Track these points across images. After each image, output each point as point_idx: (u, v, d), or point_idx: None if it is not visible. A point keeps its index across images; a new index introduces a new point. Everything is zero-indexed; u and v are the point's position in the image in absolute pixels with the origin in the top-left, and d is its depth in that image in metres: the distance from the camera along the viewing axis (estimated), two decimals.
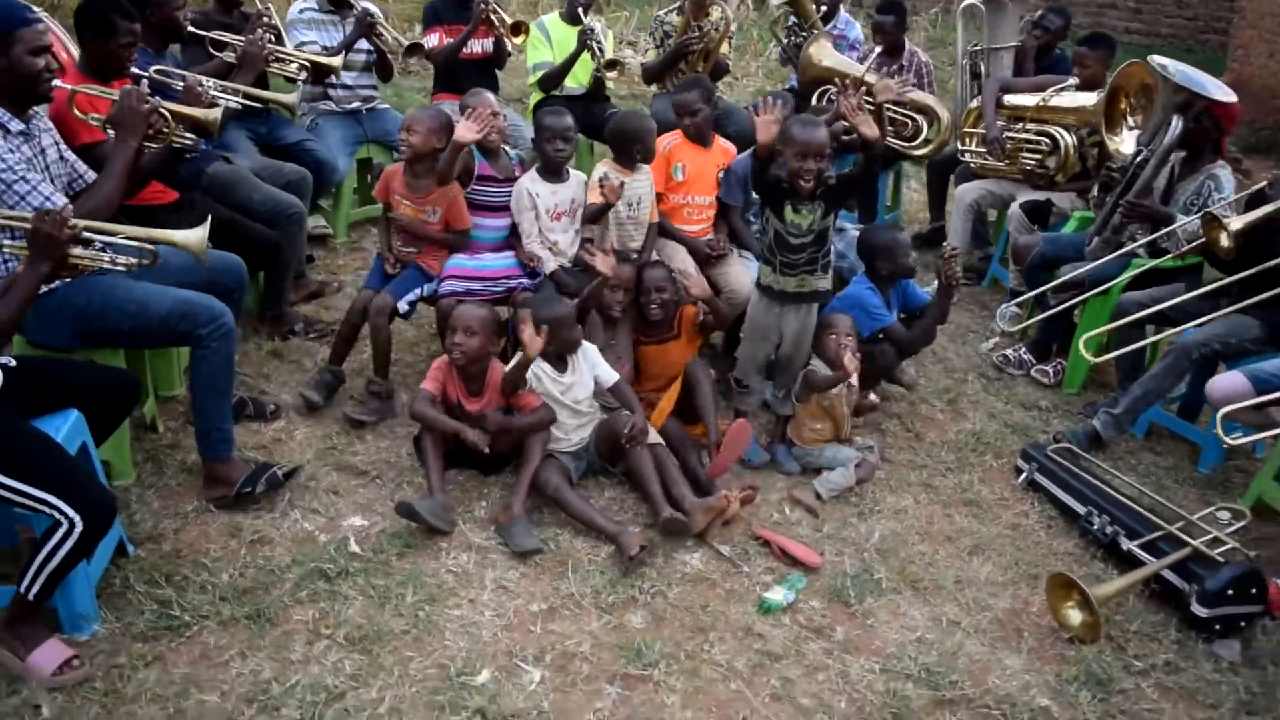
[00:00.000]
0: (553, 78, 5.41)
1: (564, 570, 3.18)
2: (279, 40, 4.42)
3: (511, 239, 4.08)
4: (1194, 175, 4.34)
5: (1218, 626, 3.15)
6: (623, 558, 3.19)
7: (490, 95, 4.02)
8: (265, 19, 4.26)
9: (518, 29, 5.07)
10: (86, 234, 2.71)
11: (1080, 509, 3.61)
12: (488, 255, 4.02)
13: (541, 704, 2.70)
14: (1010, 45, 5.32)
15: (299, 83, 4.42)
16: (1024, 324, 4.76)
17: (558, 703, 2.71)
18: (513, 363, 3.40)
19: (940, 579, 3.32)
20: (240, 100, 3.69)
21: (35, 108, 3.06)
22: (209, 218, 2.98)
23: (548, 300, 3.59)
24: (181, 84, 3.53)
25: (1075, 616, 3.14)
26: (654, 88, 5.86)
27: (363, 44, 4.92)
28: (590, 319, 3.81)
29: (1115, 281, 4.29)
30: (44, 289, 2.99)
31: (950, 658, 3.00)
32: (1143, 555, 3.36)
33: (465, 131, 3.70)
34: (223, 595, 2.93)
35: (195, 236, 2.88)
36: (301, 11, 4.89)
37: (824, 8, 6.13)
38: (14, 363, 2.79)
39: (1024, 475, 3.88)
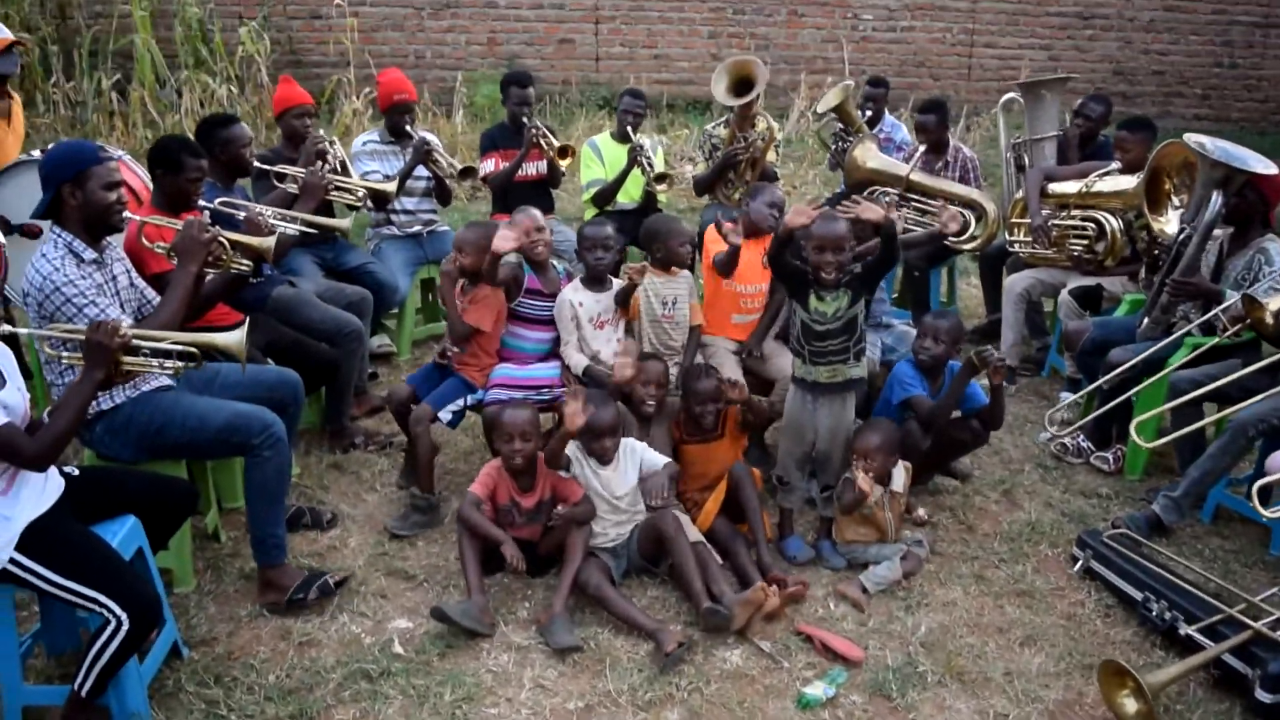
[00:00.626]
0: (605, 194, 5.64)
1: (602, 669, 3.19)
2: (342, 171, 4.74)
3: (555, 349, 4.22)
4: (1243, 250, 4.28)
5: None
6: (659, 654, 3.19)
7: (536, 211, 4.22)
8: (323, 149, 4.57)
9: (565, 152, 5.33)
10: (136, 342, 2.93)
11: (1138, 595, 3.49)
12: (534, 364, 4.17)
13: None
14: (1051, 135, 5.37)
15: (359, 208, 4.70)
16: (1081, 414, 4.67)
17: None
18: (556, 436, 3.52)
19: (988, 671, 3.23)
20: (298, 227, 3.96)
21: (108, 238, 3.35)
22: (247, 320, 3.18)
23: (600, 396, 3.69)
24: (244, 214, 3.81)
25: (1130, 706, 3.01)
26: (706, 199, 6.04)
27: (422, 171, 5.22)
28: (625, 417, 3.89)
29: (1168, 362, 4.21)
30: (109, 405, 3.26)
31: None
32: (1201, 640, 3.22)
33: (502, 242, 3.89)
34: (268, 695, 3.03)
35: (234, 338, 3.09)
36: (365, 144, 5.25)
37: (868, 113, 6.30)
38: (77, 471, 3.00)
39: (1080, 564, 3.77)
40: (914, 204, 5.56)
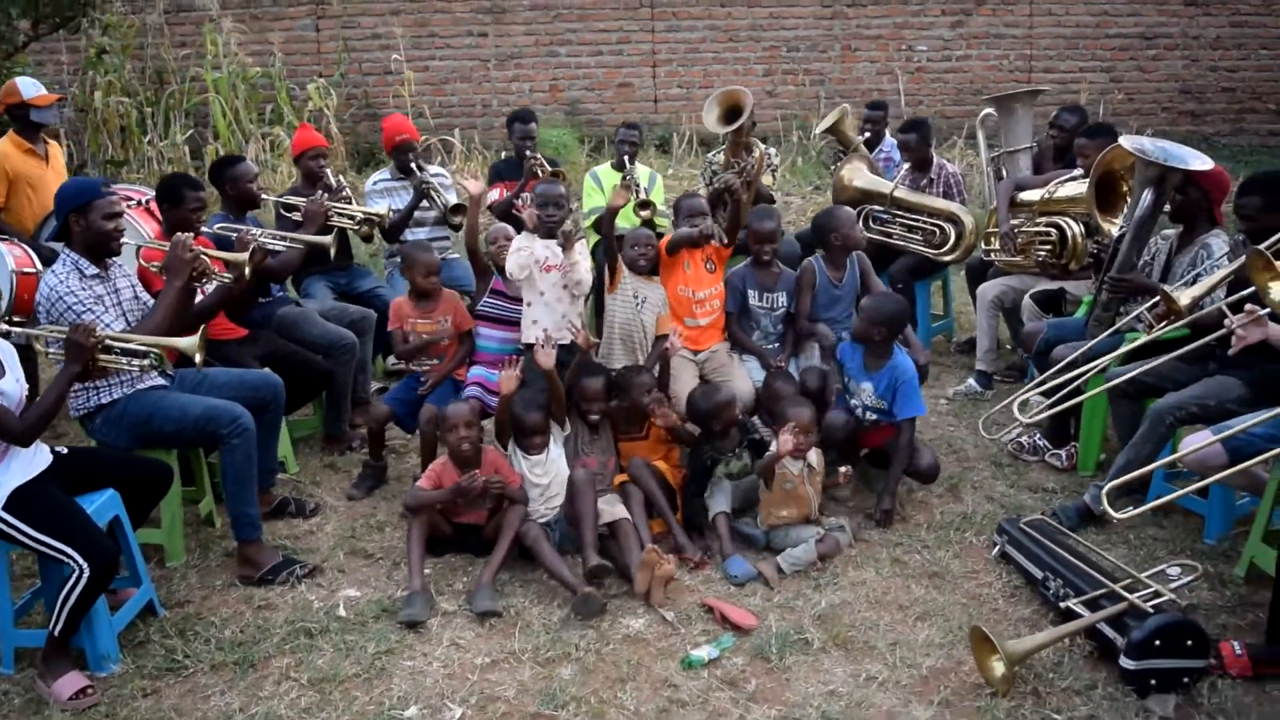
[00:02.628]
0: (604, 220, 6.03)
1: (514, 631, 3.53)
2: (350, 202, 5.30)
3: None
4: (1190, 247, 4.36)
5: (1153, 682, 3.09)
6: (578, 594, 3.56)
7: (509, 227, 4.67)
8: (325, 183, 5.15)
9: (555, 177, 5.75)
10: (109, 342, 3.47)
11: (1039, 574, 3.62)
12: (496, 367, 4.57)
13: None
14: (1025, 147, 5.51)
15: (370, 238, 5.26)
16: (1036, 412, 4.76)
17: None
18: (497, 404, 4.05)
19: (874, 641, 3.43)
20: (285, 245, 4.51)
21: (112, 259, 3.93)
22: (203, 328, 3.69)
23: (534, 397, 4.09)
24: (235, 236, 4.38)
25: (998, 670, 3.17)
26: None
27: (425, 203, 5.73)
28: (573, 419, 4.24)
29: (1109, 357, 4.30)
30: (109, 399, 3.81)
31: (855, 708, 3.11)
32: (1081, 611, 3.34)
33: (474, 187, 4.53)
34: (220, 646, 3.48)
35: (188, 342, 3.61)
36: (376, 183, 5.82)
37: (867, 134, 6.53)
38: (66, 450, 3.54)
39: (997, 549, 3.91)
40: (900, 220, 5.78)
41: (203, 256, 3.94)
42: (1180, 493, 3.55)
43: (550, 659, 3.38)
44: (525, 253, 4.33)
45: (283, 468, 4.71)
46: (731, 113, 5.87)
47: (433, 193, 5.69)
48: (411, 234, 5.77)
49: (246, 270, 4.08)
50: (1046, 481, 4.51)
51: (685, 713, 3.12)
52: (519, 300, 4.56)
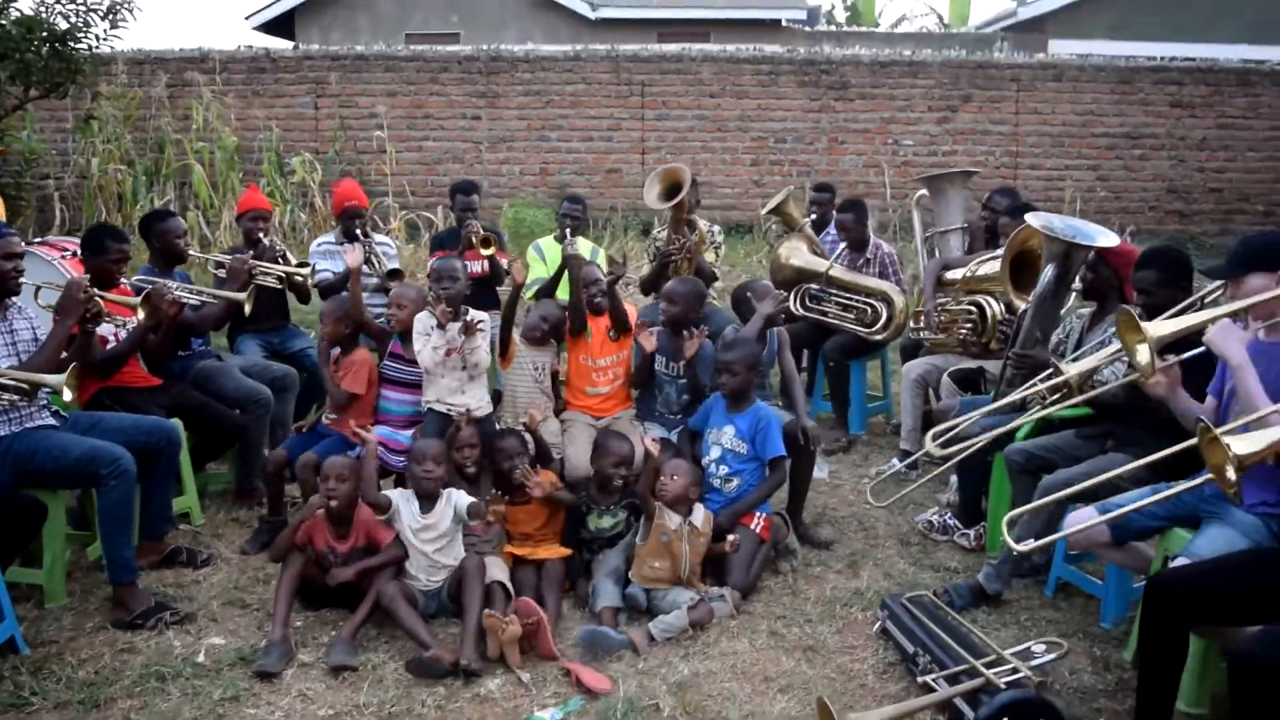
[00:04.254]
0: (545, 290, 6.06)
1: (364, 685, 3.46)
2: (283, 262, 5.40)
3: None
4: (1101, 324, 4.32)
5: None
6: (418, 659, 3.47)
7: (413, 289, 4.71)
8: (261, 244, 5.27)
9: (486, 243, 5.81)
10: None
11: (911, 650, 3.51)
12: (407, 430, 4.57)
13: None
14: (957, 227, 5.53)
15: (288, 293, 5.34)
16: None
17: None
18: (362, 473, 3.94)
19: (728, 711, 3.32)
20: (199, 299, 4.59)
21: (13, 299, 4.01)
22: (73, 366, 3.73)
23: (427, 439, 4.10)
24: (150, 288, 4.47)
25: None
26: (651, 298, 6.41)
27: (367, 269, 5.81)
28: (453, 477, 4.22)
29: (1017, 436, 4.24)
30: None
31: None
32: (938, 686, 3.22)
33: (351, 259, 4.63)
34: (70, 685, 3.43)
35: (55, 379, 3.65)
36: (319, 245, 5.93)
37: (814, 215, 6.59)
38: None
39: (878, 624, 3.80)
40: (835, 298, 5.79)
41: (97, 299, 4.01)
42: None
43: (393, 714, 3.30)
44: (430, 344, 4.41)
45: (187, 520, 4.73)
46: (672, 190, 5.97)
47: (374, 259, 5.78)
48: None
49: (140, 313, 4.14)
50: (951, 561, 4.40)
51: None
52: (416, 363, 4.58)
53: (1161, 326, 3.06)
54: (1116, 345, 3.83)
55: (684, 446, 4.45)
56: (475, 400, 4.48)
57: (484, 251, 5.79)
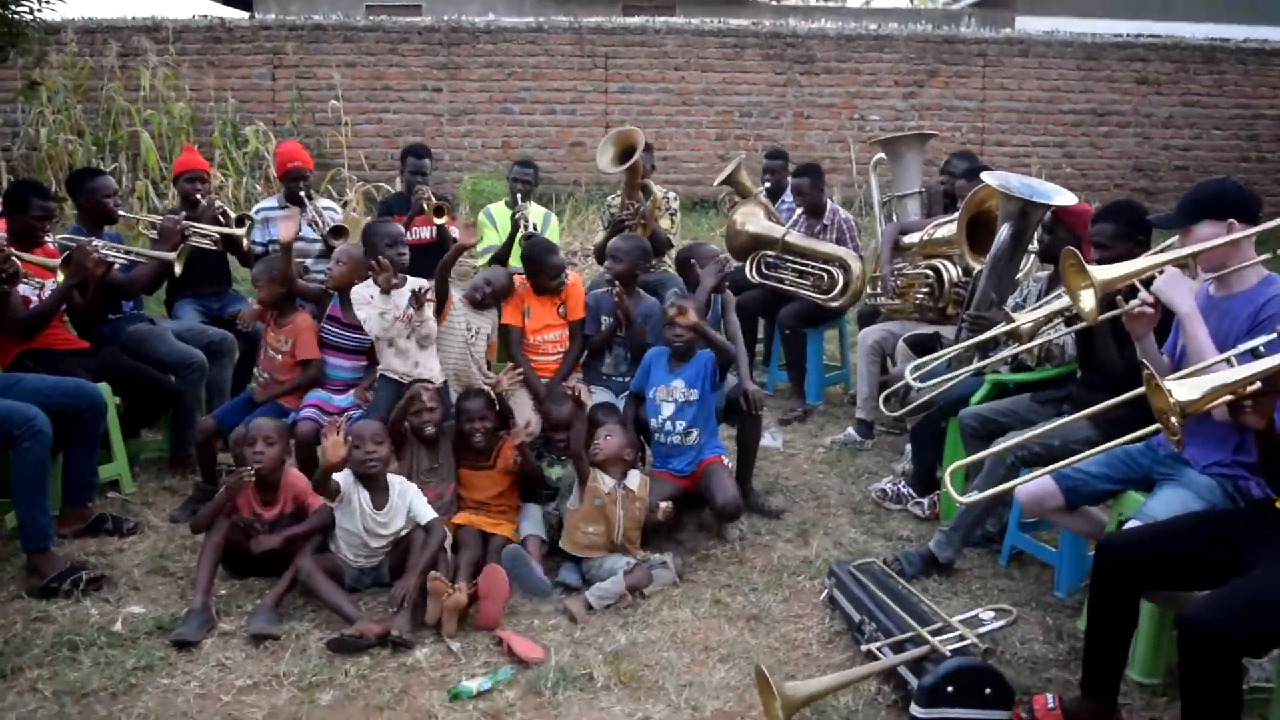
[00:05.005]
0: (498, 257, 5.91)
1: (285, 654, 3.31)
2: (227, 221, 5.20)
3: (363, 378, 4.45)
4: (1058, 287, 4.20)
5: None
6: (339, 638, 3.31)
7: (357, 249, 4.53)
8: (200, 205, 5.09)
9: (439, 211, 5.63)
10: None
11: (857, 618, 3.39)
12: (343, 395, 4.41)
13: None
14: (914, 191, 5.41)
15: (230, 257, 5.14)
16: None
17: None
18: (319, 469, 3.66)
19: (664, 681, 3.19)
20: (126, 258, 4.40)
21: None
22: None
23: (365, 420, 3.90)
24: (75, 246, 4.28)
25: (781, 716, 2.93)
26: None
27: (313, 234, 5.62)
28: (410, 441, 4.06)
29: (970, 400, 4.13)
30: None
31: None
32: (882, 655, 3.11)
33: (284, 232, 4.35)
34: None
35: None
36: (258, 210, 5.71)
37: (768, 183, 6.46)
38: None
39: (825, 592, 3.69)
40: (790, 265, 5.66)
41: (14, 259, 3.82)
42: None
43: (313, 684, 3.15)
44: (375, 309, 4.23)
45: (117, 487, 4.55)
46: (625, 154, 5.81)
47: (317, 223, 5.59)
48: (299, 263, 5.64)
49: (59, 275, 3.95)
50: (903, 530, 4.29)
51: None
52: (356, 327, 4.41)
53: (1108, 270, 2.94)
54: (1056, 304, 3.74)
55: (628, 413, 4.31)
56: (428, 370, 4.33)
57: (436, 220, 5.61)
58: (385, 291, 4.22)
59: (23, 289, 4.26)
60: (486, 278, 4.63)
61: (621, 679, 3.18)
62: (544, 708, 3.05)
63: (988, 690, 2.87)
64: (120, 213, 4.85)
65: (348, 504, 3.70)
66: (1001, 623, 3.23)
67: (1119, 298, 3.05)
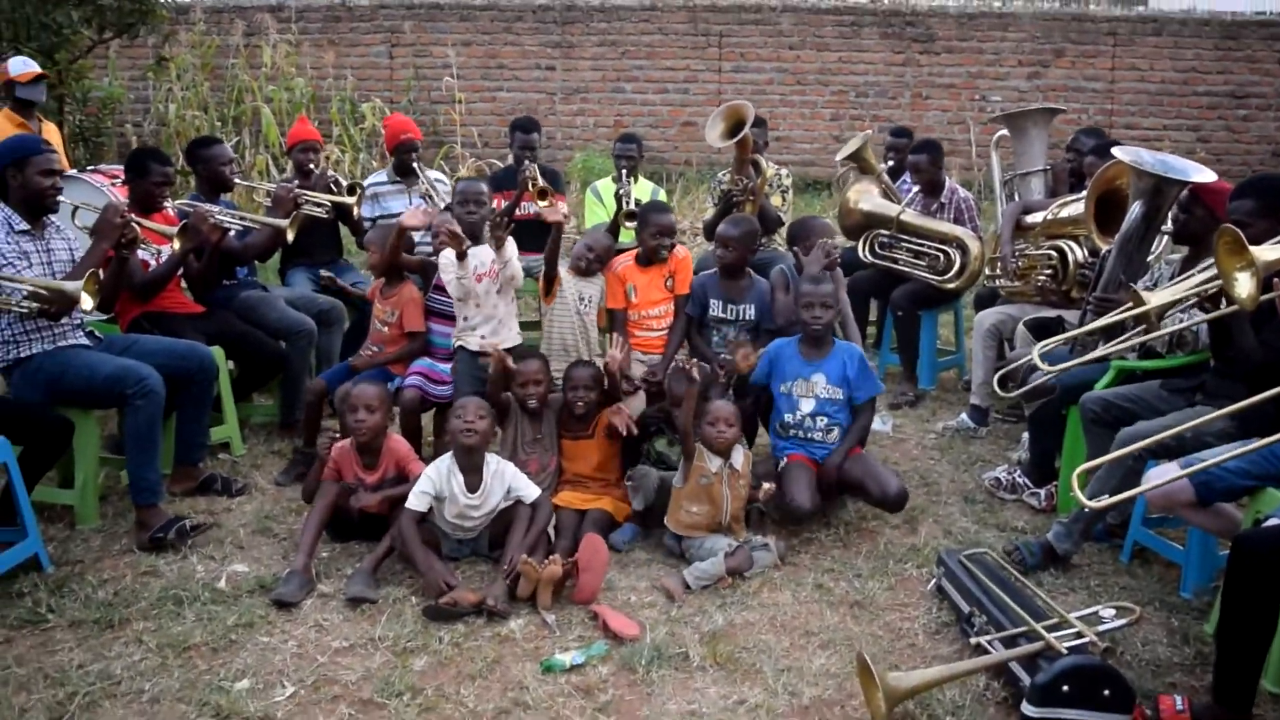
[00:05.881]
0: (612, 229, 5.85)
1: (382, 618, 3.32)
2: (339, 190, 5.27)
3: None
4: (1192, 269, 3.93)
5: None
6: (434, 606, 3.30)
7: (450, 218, 4.53)
8: (313, 174, 5.17)
9: (543, 194, 5.55)
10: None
11: (966, 609, 3.23)
12: (449, 363, 4.42)
13: (275, 714, 2.84)
14: (1038, 169, 5.14)
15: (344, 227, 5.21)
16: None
17: (289, 713, 2.86)
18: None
19: (762, 665, 3.09)
20: (240, 224, 4.48)
21: (51, 219, 3.94)
22: (91, 273, 3.64)
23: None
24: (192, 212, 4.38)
25: (882, 707, 2.80)
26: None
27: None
28: (513, 410, 4.04)
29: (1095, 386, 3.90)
30: (26, 354, 3.79)
31: None
32: (992, 649, 2.95)
33: (409, 219, 4.34)
34: (88, 605, 3.36)
35: (71, 286, 3.59)
36: (369, 185, 5.76)
37: (890, 162, 6.24)
38: None
39: (933, 582, 3.53)
40: (905, 244, 5.45)
41: (134, 225, 3.92)
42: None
43: (407, 649, 3.15)
44: (453, 273, 4.21)
45: (228, 449, 4.65)
46: (735, 128, 5.68)
47: (430, 194, 5.62)
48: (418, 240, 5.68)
49: (175, 244, 4.05)
50: (1017, 521, 4.09)
51: (524, 716, 2.85)
52: None
53: (1272, 250, 2.69)
54: (1204, 276, 3.47)
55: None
56: (508, 330, 4.32)
57: (541, 203, 5.56)
58: (460, 257, 4.19)
59: (141, 253, 4.39)
60: (587, 243, 4.59)
61: (717, 660, 3.10)
62: (637, 685, 2.99)
63: (1106, 692, 2.68)
64: (236, 181, 4.94)
65: (449, 482, 3.66)
66: (1123, 621, 3.03)
67: (1276, 279, 2.81)
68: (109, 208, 3.90)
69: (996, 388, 3.91)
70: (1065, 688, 2.66)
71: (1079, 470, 2.95)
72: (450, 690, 2.94)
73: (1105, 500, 3.01)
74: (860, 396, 4.06)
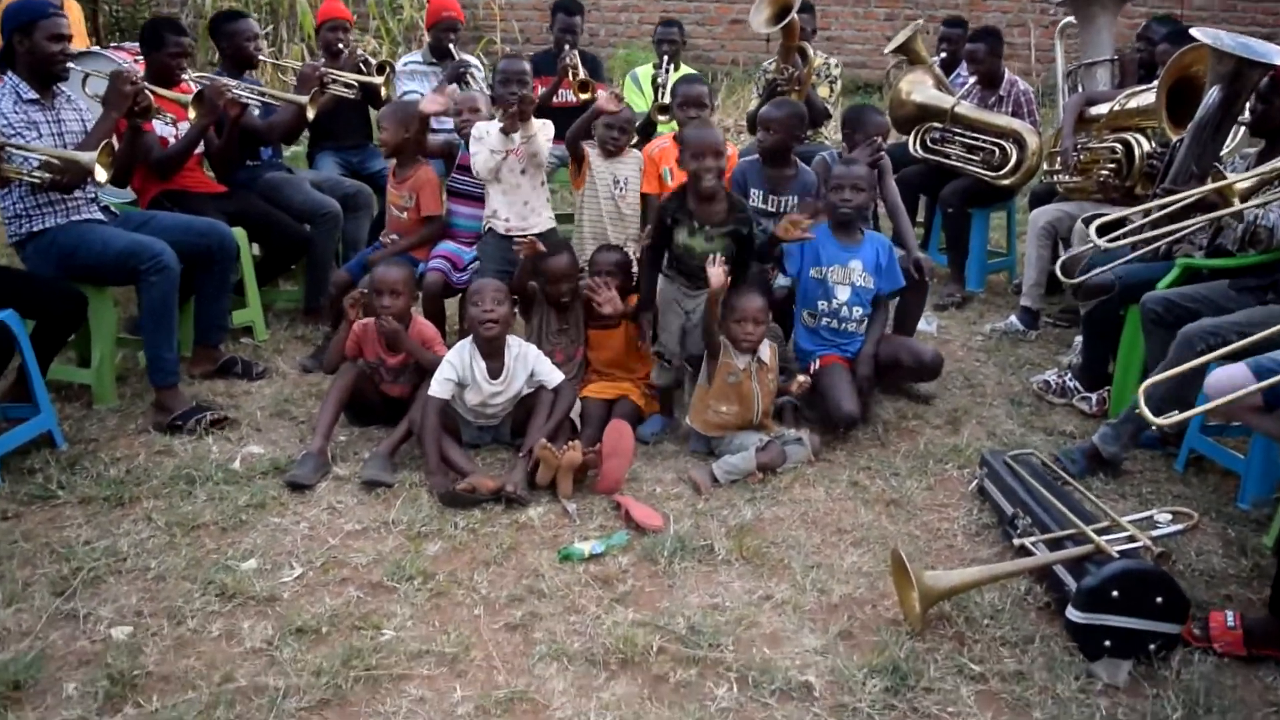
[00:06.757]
0: (645, 125, 5.59)
1: (397, 502, 3.21)
2: (368, 70, 5.06)
3: None
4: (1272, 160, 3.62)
5: (1108, 643, 2.49)
6: (444, 484, 3.22)
7: (479, 96, 4.32)
8: (342, 54, 5.00)
9: (584, 87, 5.26)
10: (11, 150, 3.33)
11: (1010, 511, 3.05)
12: (473, 248, 4.24)
13: (281, 594, 2.75)
14: (1105, 59, 4.79)
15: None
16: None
17: (296, 595, 2.76)
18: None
19: (790, 561, 2.95)
20: (258, 99, 4.31)
21: (61, 87, 3.78)
22: (105, 144, 3.48)
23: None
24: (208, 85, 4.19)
25: (917, 607, 2.64)
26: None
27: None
28: (539, 301, 3.87)
29: (1158, 285, 3.64)
30: (40, 228, 3.67)
31: (734, 625, 2.65)
32: (1036, 551, 2.77)
33: (429, 104, 4.14)
34: (99, 481, 3.29)
35: (86, 157, 3.42)
36: (405, 65, 5.52)
37: (943, 54, 5.89)
38: None
39: (975, 483, 3.35)
40: (959, 139, 5.15)
41: (146, 92, 3.74)
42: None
43: (422, 534, 3.05)
44: (487, 147, 3.98)
45: (251, 333, 4.55)
46: (781, 13, 5.35)
47: (469, 78, 5.37)
48: (434, 120, 5.47)
49: (192, 113, 3.89)
50: (1066, 425, 3.87)
51: (539, 604, 2.73)
52: None
53: None
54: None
55: None
56: (538, 215, 4.12)
57: (582, 95, 5.28)
58: (506, 132, 3.96)
59: (161, 129, 4.23)
60: (613, 120, 4.29)
61: (744, 554, 2.96)
62: (658, 576, 2.86)
63: (1159, 599, 2.49)
64: (261, 58, 4.74)
65: (470, 369, 3.53)
66: (1179, 527, 2.84)
67: None
68: (117, 75, 3.72)
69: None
70: (1115, 593, 2.48)
71: (1144, 387, 2.73)
72: (463, 576, 2.83)
73: (1174, 416, 2.76)
74: (885, 287, 3.89)
